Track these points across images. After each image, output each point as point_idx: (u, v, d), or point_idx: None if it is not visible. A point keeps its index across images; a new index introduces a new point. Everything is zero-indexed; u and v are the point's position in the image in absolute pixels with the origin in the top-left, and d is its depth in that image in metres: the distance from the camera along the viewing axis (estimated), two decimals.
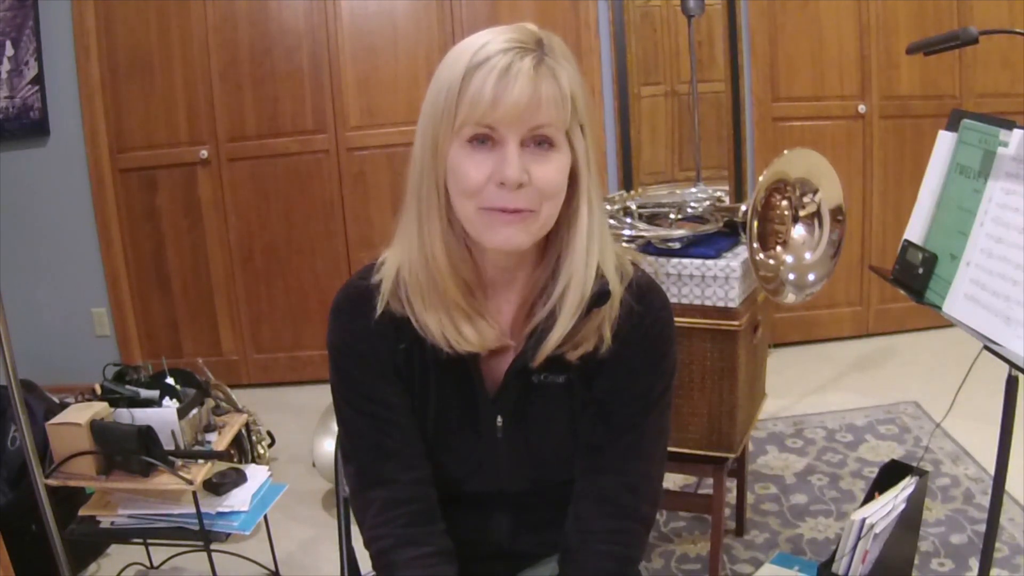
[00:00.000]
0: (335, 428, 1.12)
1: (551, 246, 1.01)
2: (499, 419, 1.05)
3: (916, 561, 1.97)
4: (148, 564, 2.33)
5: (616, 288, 1.00)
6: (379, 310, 1.01)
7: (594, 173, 0.99)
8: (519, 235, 0.94)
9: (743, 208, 1.78)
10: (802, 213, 1.82)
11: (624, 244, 1.86)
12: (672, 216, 1.98)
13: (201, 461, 2.02)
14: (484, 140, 0.92)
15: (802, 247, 1.82)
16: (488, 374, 1.04)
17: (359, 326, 1.03)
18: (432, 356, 1.02)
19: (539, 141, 0.93)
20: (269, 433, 2.89)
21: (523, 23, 0.96)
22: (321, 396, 2.94)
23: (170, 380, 2.22)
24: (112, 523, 2.02)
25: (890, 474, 1.86)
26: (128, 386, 2.19)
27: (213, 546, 1.99)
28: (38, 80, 3.32)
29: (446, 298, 0.98)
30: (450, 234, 0.98)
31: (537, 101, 0.90)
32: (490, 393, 1.05)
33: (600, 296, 0.98)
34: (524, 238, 0.95)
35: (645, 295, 1.03)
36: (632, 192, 2.14)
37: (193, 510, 1.95)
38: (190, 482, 1.92)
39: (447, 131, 0.93)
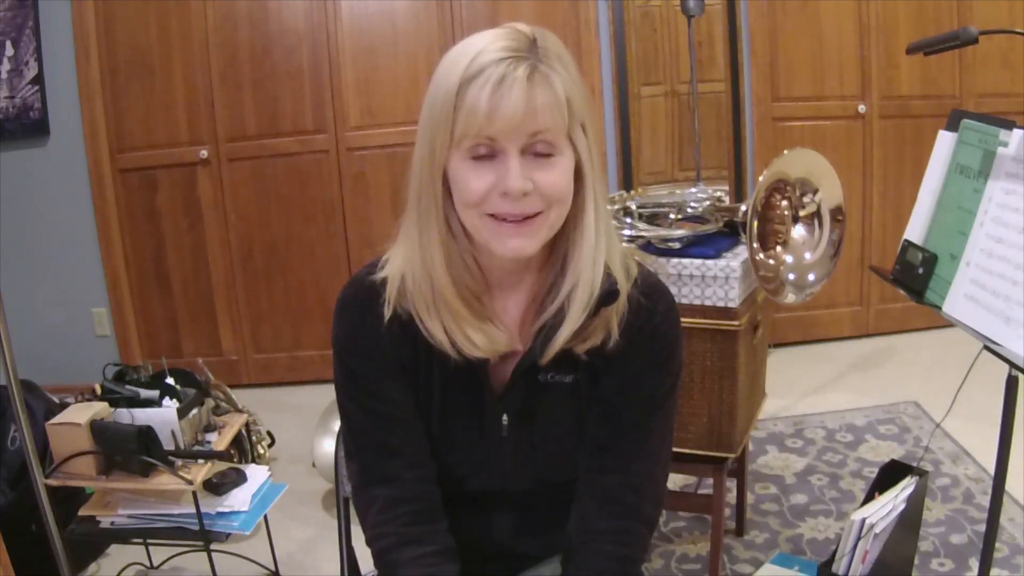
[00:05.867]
0: (335, 428, 1.12)
1: (558, 245, 1.00)
2: (504, 418, 1.05)
3: (916, 561, 1.97)
4: (148, 564, 2.33)
5: (623, 285, 0.99)
6: (385, 308, 1.01)
7: (598, 170, 0.98)
8: (527, 244, 0.94)
9: (743, 208, 1.78)
10: (802, 213, 1.81)
11: (624, 244, 1.85)
12: (672, 216, 1.98)
13: (201, 461, 2.02)
14: (484, 151, 0.92)
15: (802, 247, 1.82)
16: (494, 373, 1.04)
17: (365, 322, 1.03)
18: (438, 354, 1.02)
19: (540, 147, 0.93)
20: (269, 433, 2.89)
21: (515, 24, 0.95)
22: (321, 396, 2.95)
23: (170, 380, 2.22)
24: (112, 523, 2.02)
25: (890, 474, 1.86)
26: (128, 386, 2.19)
27: (213, 546, 1.99)
28: (38, 80, 3.32)
29: (451, 308, 0.98)
30: (451, 244, 0.98)
31: (533, 110, 0.90)
32: (496, 392, 1.05)
33: (609, 296, 0.98)
34: (533, 246, 0.95)
35: (652, 294, 1.03)
36: (632, 192, 2.13)
37: (193, 510, 1.95)
38: (190, 482, 1.92)
39: (444, 142, 0.92)
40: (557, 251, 1.01)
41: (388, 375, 1.04)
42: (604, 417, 1.04)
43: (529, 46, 0.92)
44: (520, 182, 0.91)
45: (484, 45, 0.91)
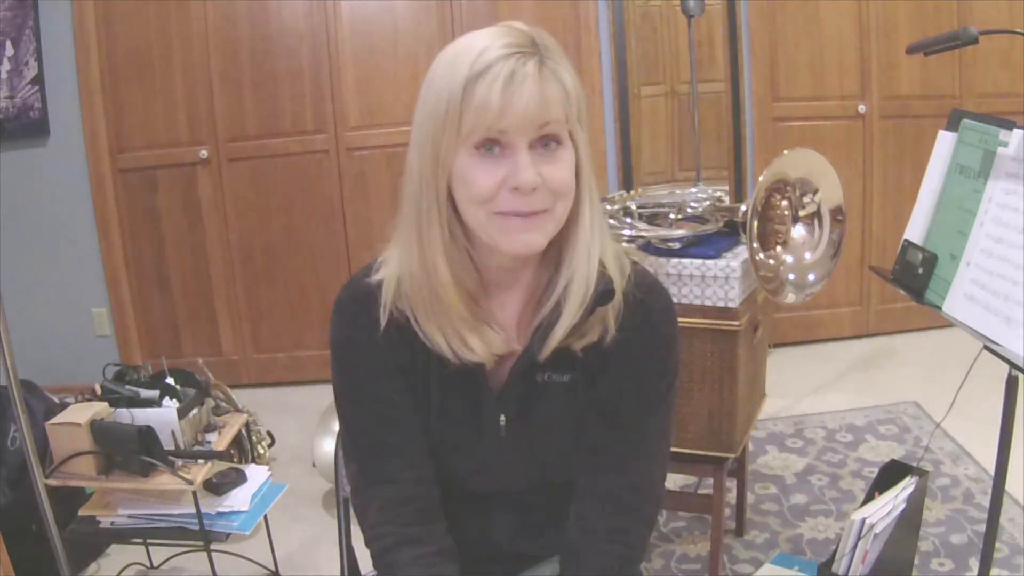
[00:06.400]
0: (335, 428, 1.12)
1: (554, 241, 1.00)
2: (502, 417, 1.05)
3: (916, 561, 1.97)
4: (148, 564, 2.33)
5: (619, 283, 0.99)
6: (382, 311, 1.01)
7: (592, 167, 0.99)
8: (536, 238, 0.94)
9: (743, 208, 1.78)
10: (802, 213, 1.82)
11: (624, 244, 1.86)
12: (672, 216, 1.98)
13: (201, 461, 2.02)
14: (492, 146, 0.91)
15: (802, 247, 1.82)
16: (492, 372, 1.04)
17: (363, 323, 1.03)
18: (436, 355, 1.02)
19: (547, 142, 0.92)
20: (269, 433, 2.89)
21: (511, 23, 0.94)
22: (321, 396, 2.95)
23: (170, 380, 2.22)
24: (112, 523, 2.02)
25: (890, 474, 1.86)
26: (128, 386, 2.19)
27: (213, 546, 1.99)
28: (38, 80, 3.32)
29: (450, 311, 0.98)
30: (452, 245, 0.97)
31: (545, 104, 0.90)
32: (494, 391, 1.04)
33: (604, 295, 0.98)
34: (541, 240, 0.95)
35: (649, 292, 1.03)
36: (632, 192, 2.14)
37: (193, 510, 1.95)
38: (190, 482, 1.92)
39: (451, 141, 0.91)
40: (552, 247, 1.00)
41: (386, 376, 1.04)
42: (602, 416, 1.04)
43: (531, 43, 0.92)
44: (531, 177, 0.90)
45: (487, 43, 0.91)
